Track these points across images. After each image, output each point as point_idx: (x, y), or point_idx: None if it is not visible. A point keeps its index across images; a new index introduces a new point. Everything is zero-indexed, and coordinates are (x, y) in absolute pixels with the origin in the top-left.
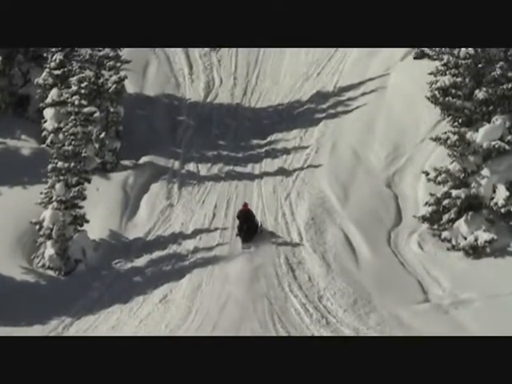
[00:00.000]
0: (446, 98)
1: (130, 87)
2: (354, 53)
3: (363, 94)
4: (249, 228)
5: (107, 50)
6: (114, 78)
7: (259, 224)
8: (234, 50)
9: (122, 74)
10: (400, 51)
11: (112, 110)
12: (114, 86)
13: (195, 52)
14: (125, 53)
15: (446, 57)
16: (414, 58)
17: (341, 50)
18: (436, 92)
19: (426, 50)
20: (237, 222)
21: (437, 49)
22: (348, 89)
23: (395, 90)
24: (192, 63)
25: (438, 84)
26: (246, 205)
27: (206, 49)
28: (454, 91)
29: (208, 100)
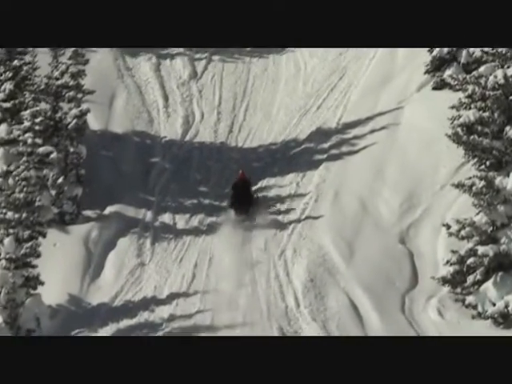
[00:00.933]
0: (471, 137)
1: (94, 123)
2: (361, 83)
3: (372, 132)
4: (244, 198)
5: (66, 79)
6: (75, 111)
7: (255, 195)
8: (217, 78)
9: (84, 106)
10: (416, 80)
11: (72, 149)
12: (75, 121)
13: (171, 81)
14: (87, 81)
15: (470, 87)
16: (433, 89)
17: (346, 79)
18: (459, 129)
19: (447, 79)
20: (231, 191)
21: (460, 77)
22: (354, 125)
23: (410, 127)
24: (168, 94)
25: (462, 119)
26: (242, 173)
27: (185, 77)
28: (480, 128)
29: (187, 138)
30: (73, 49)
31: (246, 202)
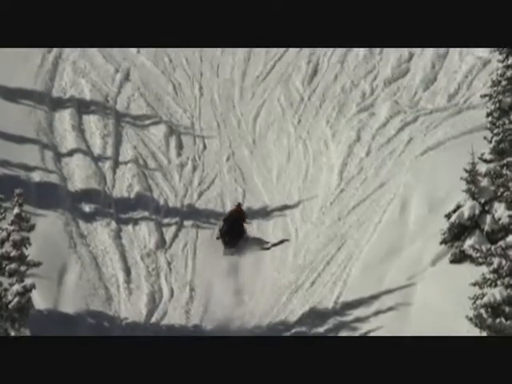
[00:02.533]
0: (497, 320)
1: (40, 301)
2: (363, 254)
3: (377, 314)
4: (233, 232)
5: (7, 248)
6: (17, 287)
7: (246, 229)
8: (190, 247)
9: (29, 282)
10: (430, 252)
11: (13, 334)
12: (17, 299)
13: (134, 251)
14: (33, 251)
15: (496, 260)
16: (451, 262)
17: (345, 250)
18: (482, 310)
19: (468, 250)
20: (221, 223)
21: (483, 249)
22: (355, 305)
23: (424, 308)
24: (130, 267)
25: (486, 299)
26: (239, 205)
27: (151, 246)
28: (508, 309)
29: (153, 320)
30: (15, 212)
31: (235, 234)
